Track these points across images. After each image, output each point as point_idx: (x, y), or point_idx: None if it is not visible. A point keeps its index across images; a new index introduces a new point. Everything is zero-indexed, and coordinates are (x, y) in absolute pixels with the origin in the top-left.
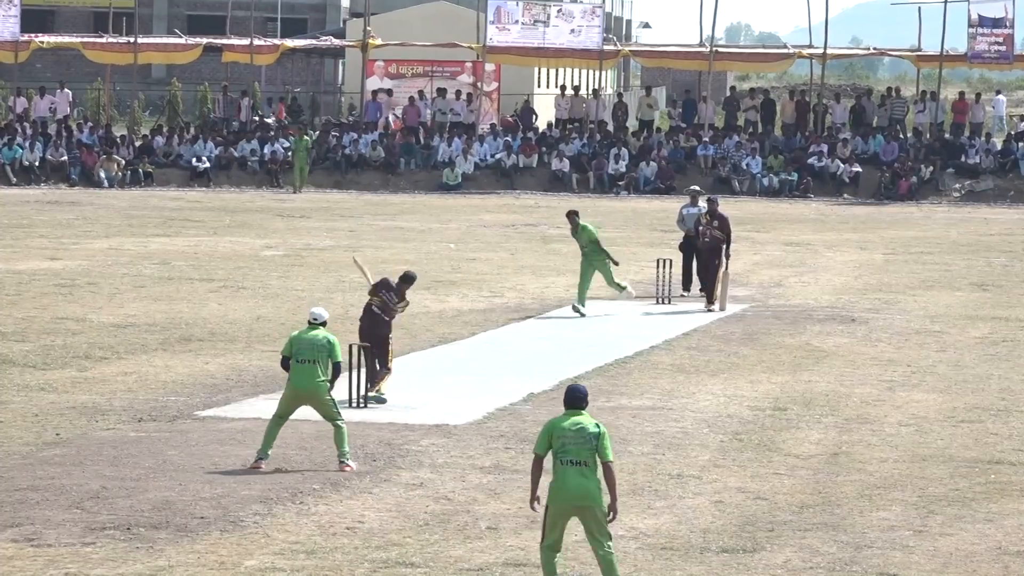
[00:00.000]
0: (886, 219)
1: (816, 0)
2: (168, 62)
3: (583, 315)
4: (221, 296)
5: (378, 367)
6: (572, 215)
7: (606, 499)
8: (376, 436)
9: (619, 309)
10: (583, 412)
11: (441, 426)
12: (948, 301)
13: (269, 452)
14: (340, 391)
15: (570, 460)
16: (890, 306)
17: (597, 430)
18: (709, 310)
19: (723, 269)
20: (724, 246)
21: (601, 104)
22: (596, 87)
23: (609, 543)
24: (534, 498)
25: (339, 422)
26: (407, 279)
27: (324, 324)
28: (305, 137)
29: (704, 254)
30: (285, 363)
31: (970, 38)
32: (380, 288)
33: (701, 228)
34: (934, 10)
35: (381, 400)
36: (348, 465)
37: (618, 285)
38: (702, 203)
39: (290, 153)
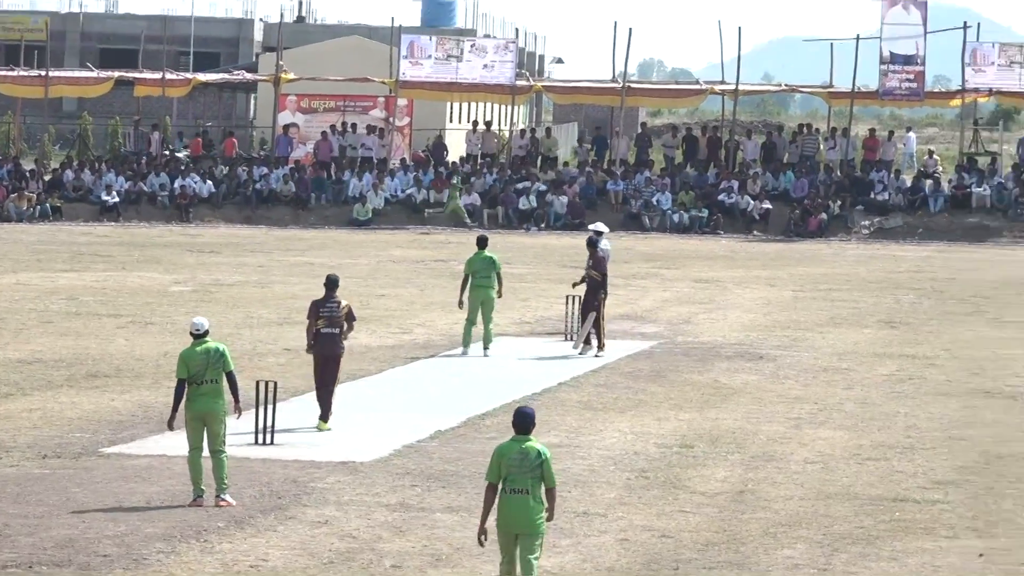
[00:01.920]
0: (795, 256)
1: (729, 36)
2: (79, 95)
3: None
4: (128, 332)
5: (327, 391)
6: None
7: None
8: (282, 473)
9: (527, 346)
10: (530, 437)
11: (347, 463)
12: (856, 338)
13: (203, 488)
14: (247, 424)
15: (513, 488)
16: (798, 343)
17: (540, 457)
18: (575, 348)
19: (595, 311)
20: (600, 287)
21: (514, 139)
22: (511, 122)
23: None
24: (482, 531)
25: (223, 453)
26: (331, 283)
27: (207, 333)
28: (454, 183)
29: (585, 294)
30: (181, 386)
31: (881, 75)
32: (317, 308)
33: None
34: (846, 47)
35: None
36: (226, 500)
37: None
38: (604, 242)
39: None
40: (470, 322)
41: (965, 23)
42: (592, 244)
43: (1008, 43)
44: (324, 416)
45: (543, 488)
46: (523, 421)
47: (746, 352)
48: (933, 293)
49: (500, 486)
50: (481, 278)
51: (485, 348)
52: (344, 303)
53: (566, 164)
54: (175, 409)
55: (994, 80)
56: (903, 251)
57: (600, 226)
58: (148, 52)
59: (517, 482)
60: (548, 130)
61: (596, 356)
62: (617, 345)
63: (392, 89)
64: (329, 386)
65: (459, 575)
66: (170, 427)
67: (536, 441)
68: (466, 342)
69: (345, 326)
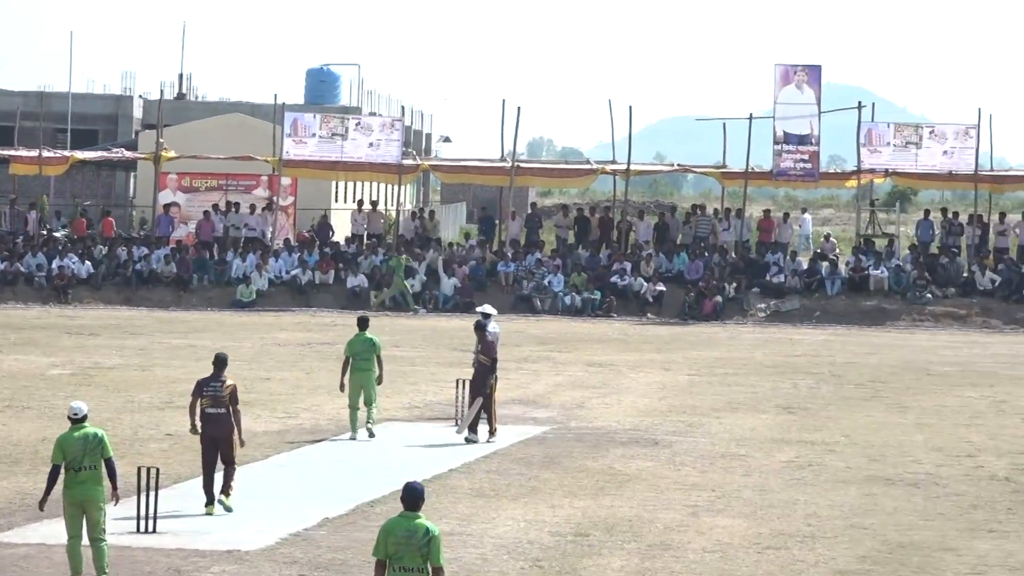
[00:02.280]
0: (690, 339)
1: (619, 115)
2: None
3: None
4: (5, 416)
5: (225, 467)
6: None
7: None
8: (164, 562)
9: (417, 432)
10: (419, 514)
11: (232, 552)
12: (753, 424)
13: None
14: (128, 511)
15: (400, 567)
16: (694, 429)
17: (428, 535)
18: (459, 432)
19: (485, 396)
20: (489, 372)
21: (404, 222)
22: (398, 202)
23: None
24: None
25: (103, 541)
26: (219, 362)
27: (86, 418)
28: (402, 257)
29: (473, 379)
30: (55, 472)
31: (775, 155)
32: (201, 387)
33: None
34: (739, 126)
35: (229, 510)
36: None
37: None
38: (493, 324)
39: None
40: (353, 408)
41: (860, 103)
42: (480, 328)
43: (903, 123)
44: (225, 490)
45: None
46: (411, 497)
47: (641, 438)
48: (831, 378)
49: (388, 564)
50: (361, 360)
51: (369, 423)
52: (229, 383)
53: (451, 245)
54: (47, 492)
55: (890, 161)
56: (800, 334)
57: (488, 308)
58: (24, 129)
59: (405, 560)
60: (431, 212)
61: (488, 442)
62: (509, 430)
63: (276, 168)
64: (228, 465)
65: None
66: (41, 508)
67: (425, 519)
68: (353, 427)
69: (231, 408)
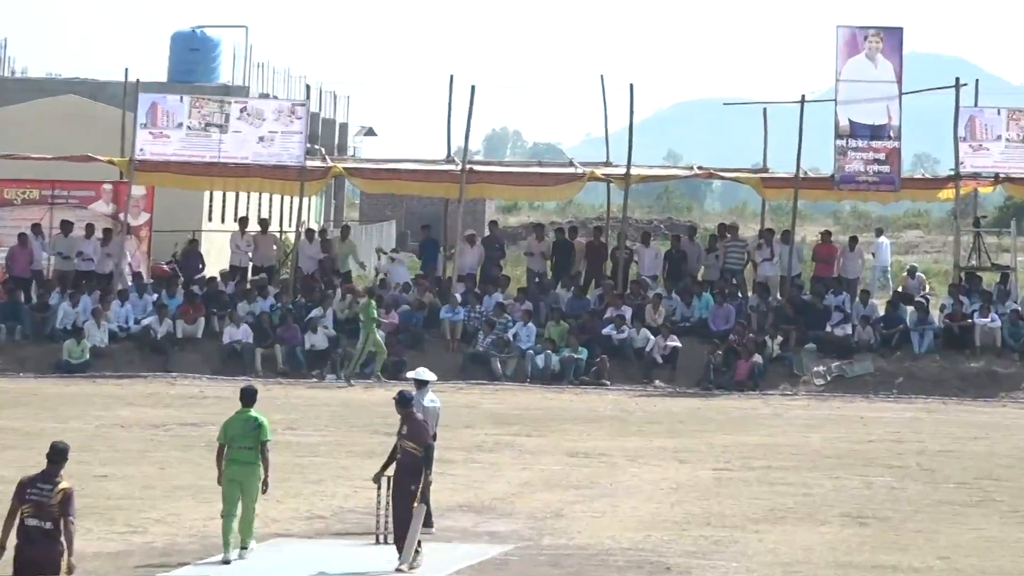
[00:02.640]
0: (717, 417)
1: (616, 98)
2: None
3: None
4: None
5: None
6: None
7: None
8: None
9: (320, 553)
10: None
11: None
12: (809, 541)
13: None
14: None
15: None
16: (723, 548)
17: None
18: (397, 570)
19: (415, 502)
20: (423, 466)
21: (303, 246)
22: (300, 220)
23: None
24: None
25: None
26: (55, 454)
27: None
28: (372, 302)
29: (397, 477)
30: None
31: (838, 153)
32: (24, 490)
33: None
34: (787, 113)
35: None
36: None
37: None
38: (431, 396)
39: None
40: (228, 515)
41: (958, 80)
42: (404, 402)
43: (1020, 109)
44: None
45: None
46: None
47: (646, 561)
48: (921, 473)
49: None
50: (240, 449)
51: (243, 547)
52: (63, 485)
53: (383, 280)
54: None
55: (1001, 162)
56: (875, 410)
57: (424, 373)
58: None
59: None
60: (345, 228)
61: (412, 566)
62: (453, 550)
63: (125, 172)
64: None
65: None
66: None
67: None
68: (227, 545)
69: (60, 521)
